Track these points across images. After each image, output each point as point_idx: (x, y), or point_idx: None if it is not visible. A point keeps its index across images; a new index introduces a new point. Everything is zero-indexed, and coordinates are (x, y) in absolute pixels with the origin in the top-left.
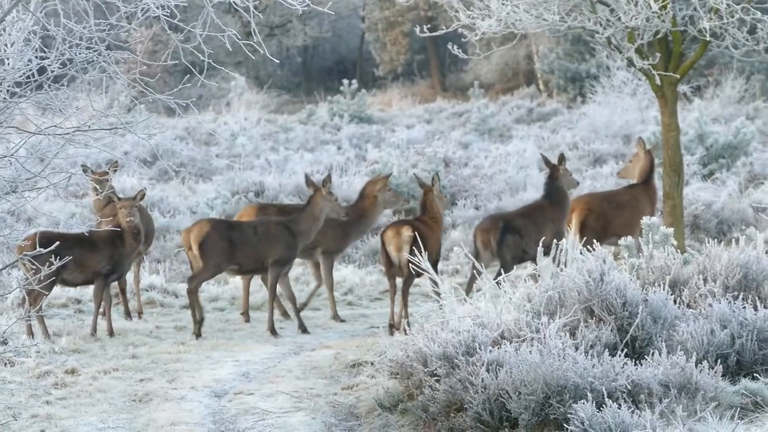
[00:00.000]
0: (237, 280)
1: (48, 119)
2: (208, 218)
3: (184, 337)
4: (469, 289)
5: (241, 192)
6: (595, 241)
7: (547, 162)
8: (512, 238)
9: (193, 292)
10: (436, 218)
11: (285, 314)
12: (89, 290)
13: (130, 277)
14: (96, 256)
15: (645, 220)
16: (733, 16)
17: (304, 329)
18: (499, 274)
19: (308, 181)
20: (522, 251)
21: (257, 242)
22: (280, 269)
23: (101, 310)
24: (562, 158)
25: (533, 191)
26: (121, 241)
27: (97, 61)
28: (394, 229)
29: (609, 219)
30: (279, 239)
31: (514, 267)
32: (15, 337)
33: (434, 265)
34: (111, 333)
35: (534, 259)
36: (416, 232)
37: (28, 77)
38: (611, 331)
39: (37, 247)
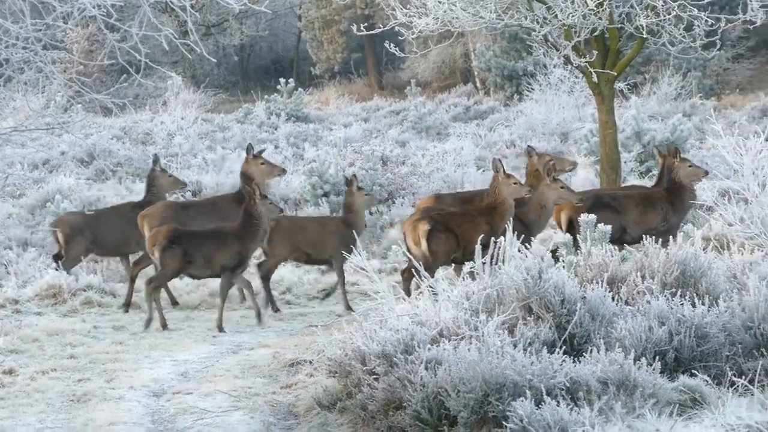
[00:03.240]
0: (174, 280)
1: None
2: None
3: (122, 336)
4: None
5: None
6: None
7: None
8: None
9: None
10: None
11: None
12: (26, 291)
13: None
14: (225, 251)
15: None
16: (669, 13)
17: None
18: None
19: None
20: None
21: None
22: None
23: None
24: (676, 151)
25: (471, 189)
26: (249, 236)
27: (33, 61)
28: (411, 224)
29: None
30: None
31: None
32: None
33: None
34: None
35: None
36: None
37: None
38: (550, 328)
39: (168, 241)
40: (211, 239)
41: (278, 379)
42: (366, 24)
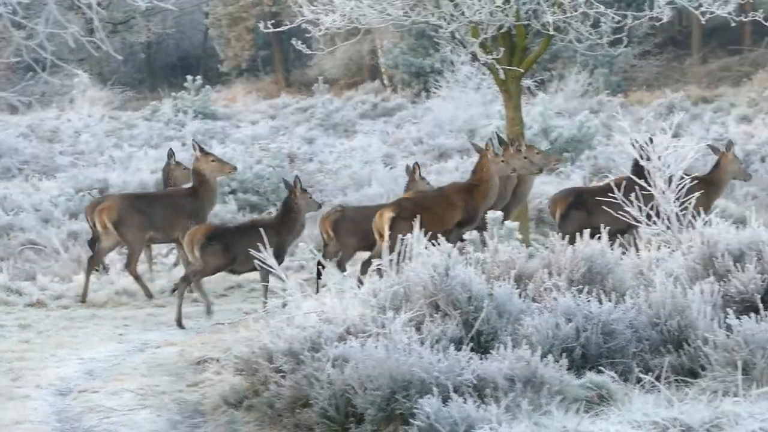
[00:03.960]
0: (80, 278)
1: None
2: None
3: (28, 335)
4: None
5: (85, 189)
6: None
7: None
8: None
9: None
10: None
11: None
12: None
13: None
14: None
15: (490, 214)
16: (576, 10)
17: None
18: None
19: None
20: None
21: None
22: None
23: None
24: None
25: (378, 186)
26: (287, 229)
27: None
28: (379, 213)
29: None
30: None
31: None
32: None
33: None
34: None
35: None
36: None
37: None
38: (457, 325)
39: (207, 238)
40: (250, 234)
41: (185, 377)
42: (273, 21)
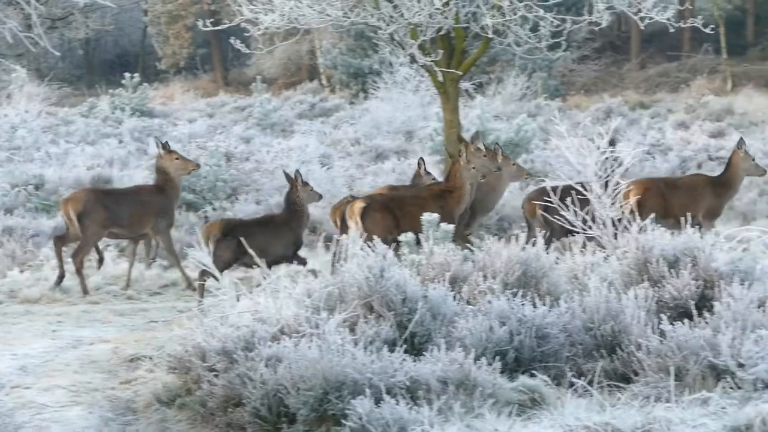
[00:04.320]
0: (15, 273)
1: None
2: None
3: None
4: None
5: (21, 185)
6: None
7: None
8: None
9: None
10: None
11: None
12: None
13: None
14: (278, 240)
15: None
16: (515, 14)
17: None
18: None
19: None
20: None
21: None
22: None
23: None
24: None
25: (314, 186)
26: (297, 222)
27: None
28: (349, 204)
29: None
30: None
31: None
32: None
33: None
34: None
35: None
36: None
37: None
38: (391, 326)
39: (222, 233)
40: (264, 229)
41: (118, 375)
42: (212, 20)
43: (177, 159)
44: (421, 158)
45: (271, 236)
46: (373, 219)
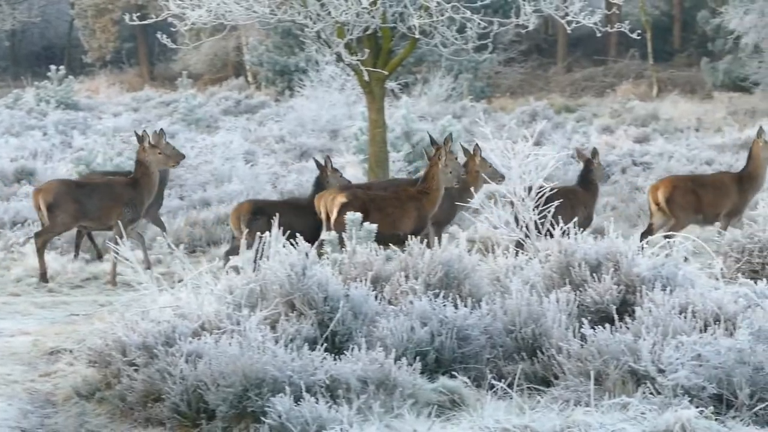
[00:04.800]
0: None
1: None
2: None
3: None
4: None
5: None
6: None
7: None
8: None
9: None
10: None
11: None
12: None
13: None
14: (303, 221)
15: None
16: (443, 15)
17: None
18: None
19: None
20: None
21: None
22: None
23: None
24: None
25: (239, 183)
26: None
27: None
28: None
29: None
30: None
31: None
32: None
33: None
34: None
35: None
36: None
37: None
38: (312, 325)
39: (252, 214)
40: (292, 210)
41: (37, 367)
42: (139, 14)
43: (159, 153)
44: (328, 156)
45: (298, 217)
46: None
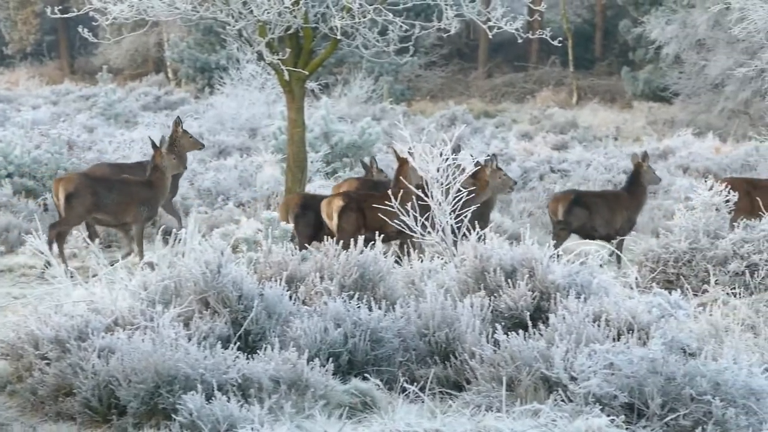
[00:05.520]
0: None
1: None
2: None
3: None
4: None
5: None
6: None
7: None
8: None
9: None
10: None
11: None
12: None
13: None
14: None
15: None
16: (365, 16)
17: None
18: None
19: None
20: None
21: None
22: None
23: None
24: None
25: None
26: None
27: None
28: (326, 200)
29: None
30: None
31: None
32: None
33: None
34: None
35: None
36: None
37: None
38: (225, 323)
39: (301, 208)
40: None
41: None
42: (60, 7)
43: (174, 159)
44: (373, 157)
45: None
46: (349, 218)
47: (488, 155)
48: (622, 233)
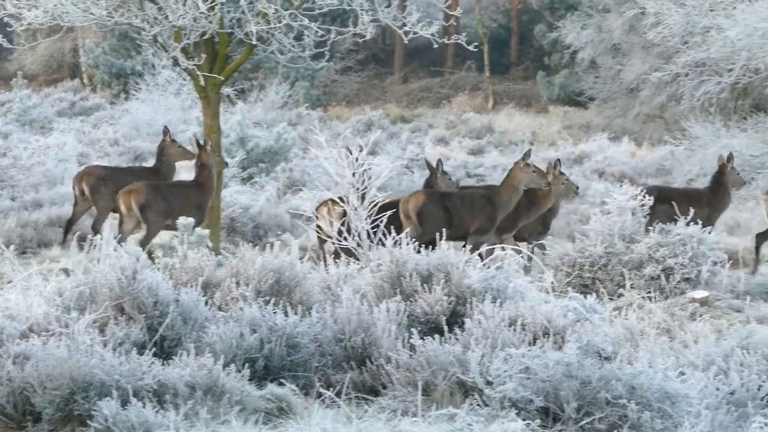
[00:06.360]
0: None
1: None
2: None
3: None
4: None
5: None
6: None
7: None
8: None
9: None
10: None
11: None
12: None
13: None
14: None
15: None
16: (280, 22)
17: None
18: None
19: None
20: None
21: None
22: (478, 237)
23: None
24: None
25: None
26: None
27: None
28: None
29: None
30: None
31: None
32: None
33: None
34: None
35: None
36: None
37: None
38: (141, 329)
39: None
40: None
41: None
42: None
43: (218, 156)
44: (440, 159)
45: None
46: (430, 216)
47: (554, 160)
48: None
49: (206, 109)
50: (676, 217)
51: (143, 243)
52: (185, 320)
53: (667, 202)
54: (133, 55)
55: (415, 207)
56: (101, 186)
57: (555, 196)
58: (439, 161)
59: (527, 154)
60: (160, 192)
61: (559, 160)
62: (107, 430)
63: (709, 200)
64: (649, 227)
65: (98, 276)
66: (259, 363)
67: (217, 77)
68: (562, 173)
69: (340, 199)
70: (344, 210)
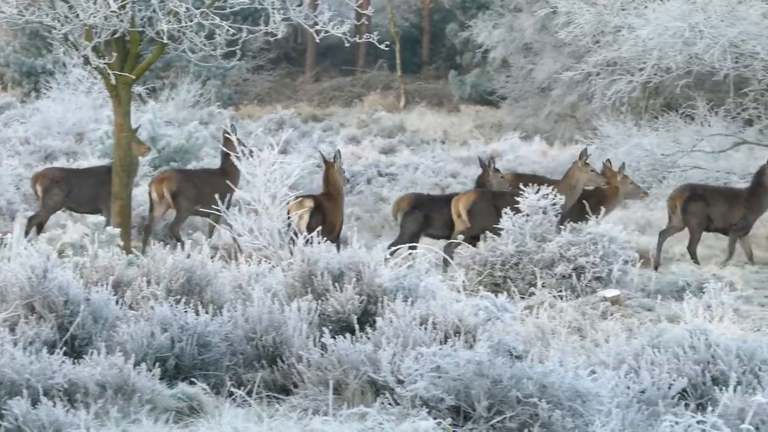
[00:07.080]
0: None
1: None
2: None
3: None
4: None
5: None
6: None
7: None
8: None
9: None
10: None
11: None
12: None
13: None
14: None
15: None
16: (192, 20)
17: None
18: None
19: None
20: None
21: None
22: None
23: None
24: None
25: None
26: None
27: None
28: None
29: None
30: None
31: None
32: None
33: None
34: None
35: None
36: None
37: None
38: (51, 328)
39: (411, 206)
40: (448, 205)
41: None
42: None
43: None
44: (492, 157)
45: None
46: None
47: (621, 164)
48: (736, 229)
49: (117, 107)
50: (709, 215)
51: (173, 228)
52: (96, 319)
53: (701, 200)
54: (44, 54)
55: (466, 205)
56: (54, 187)
57: (623, 196)
58: (492, 159)
59: (585, 153)
60: (191, 180)
61: (624, 163)
62: (17, 430)
63: (746, 200)
64: (686, 226)
65: (8, 275)
66: (170, 362)
67: (128, 76)
68: (625, 175)
69: (311, 196)
70: (314, 205)
